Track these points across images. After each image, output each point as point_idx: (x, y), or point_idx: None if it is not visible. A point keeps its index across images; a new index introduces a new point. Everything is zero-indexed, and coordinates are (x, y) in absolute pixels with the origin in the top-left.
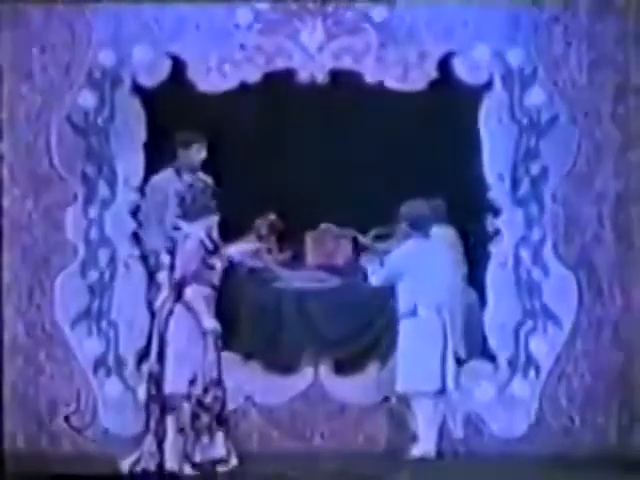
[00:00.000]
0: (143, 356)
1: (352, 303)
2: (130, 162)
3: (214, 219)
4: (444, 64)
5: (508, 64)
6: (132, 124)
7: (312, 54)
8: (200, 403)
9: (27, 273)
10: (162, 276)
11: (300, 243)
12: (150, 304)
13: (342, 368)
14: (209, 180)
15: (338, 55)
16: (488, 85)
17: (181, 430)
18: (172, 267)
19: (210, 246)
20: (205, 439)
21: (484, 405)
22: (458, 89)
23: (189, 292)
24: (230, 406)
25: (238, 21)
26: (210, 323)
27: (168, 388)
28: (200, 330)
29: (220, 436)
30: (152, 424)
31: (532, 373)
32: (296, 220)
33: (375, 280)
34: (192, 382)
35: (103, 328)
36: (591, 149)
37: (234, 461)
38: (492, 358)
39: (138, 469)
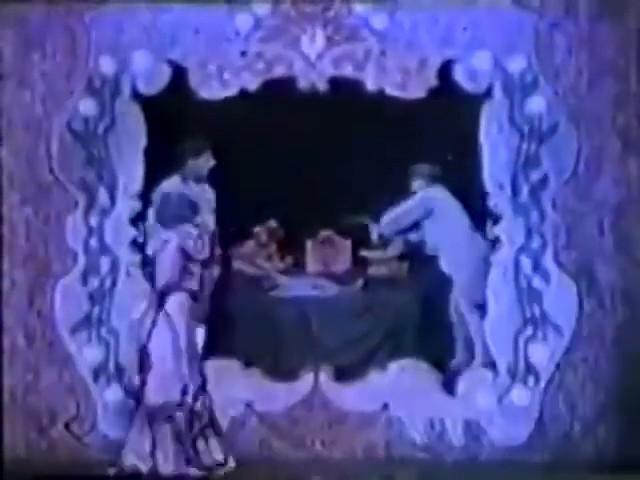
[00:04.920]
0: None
1: (352, 310)
2: (130, 169)
3: (190, 227)
4: (444, 72)
5: (508, 71)
6: (132, 131)
7: (312, 62)
8: (192, 410)
9: (27, 280)
10: (140, 287)
11: (300, 250)
12: None
13: (342, 375)
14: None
15: (338, 63)
16: (488, 92)
17: (177, 437)
18: (152, 277)
19: (192, 253)
20: (201, 445)
21: (484, 413)
22: (458, 96)
23: (170, 301)
24: (230, 413)
25: (238, 28)
26: (184, 340)
27: (160, 397)
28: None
29: (214, 441)
30: (137, 433)
31: (532, 381)
32: (296, 227)
33: None
34: (183, 390)
35: (103, 335)
36: (591, 157)
37: (232, 463)
38: (492, 366)
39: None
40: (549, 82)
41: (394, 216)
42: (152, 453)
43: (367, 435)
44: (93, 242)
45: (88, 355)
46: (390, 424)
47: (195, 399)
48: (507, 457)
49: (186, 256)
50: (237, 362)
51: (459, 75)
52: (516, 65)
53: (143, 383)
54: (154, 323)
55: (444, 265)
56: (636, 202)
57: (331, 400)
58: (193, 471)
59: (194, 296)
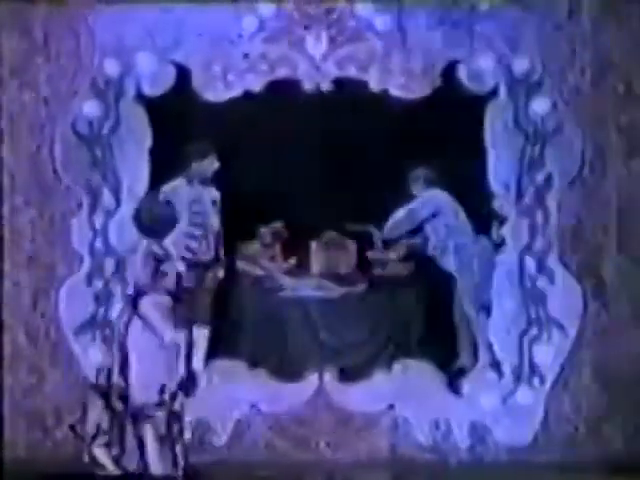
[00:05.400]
0: None
1: (356, 311)
2: (135, 171)
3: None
4: (449, 72)
5: (513, 72)
6: (137, 133)
7: (316, 63)
8: (172, 411)
9: (31, 281)
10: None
11: (305, 251)
12: None
13: (347, 376)
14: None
15: (342, 63)
16: (493, 93)
17: (160, 438)
18: (124, 280)
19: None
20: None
21: (489, 413)
22: (463, 97)
23: (144, 304)
24: (235, 414)
25: (242, 30)
26: (168, 336)
27: (141, 398)
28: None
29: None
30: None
31: (537, 382)
32: (301, 228)
33: None
34: (161, 391)
35: (107, 336)
36: (596, 157)
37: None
38: (497, 366)
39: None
40: (553, 82)
41: (398, 220)
42: (142, 454)
43: (372, 436)
44: (98, 243)
45: (93, 356)
46: (395, 425)
47: (173, 399)
48: (512, 458)
49: (157, 258)
50: (242, 363)
51: (463, 76)
52: (520, 66)
53: (126, 383)
54: (129, 322)
55: (448, 266)
56: None
57: (336, 401)
58: (181, 472)
59: (174, 296)
